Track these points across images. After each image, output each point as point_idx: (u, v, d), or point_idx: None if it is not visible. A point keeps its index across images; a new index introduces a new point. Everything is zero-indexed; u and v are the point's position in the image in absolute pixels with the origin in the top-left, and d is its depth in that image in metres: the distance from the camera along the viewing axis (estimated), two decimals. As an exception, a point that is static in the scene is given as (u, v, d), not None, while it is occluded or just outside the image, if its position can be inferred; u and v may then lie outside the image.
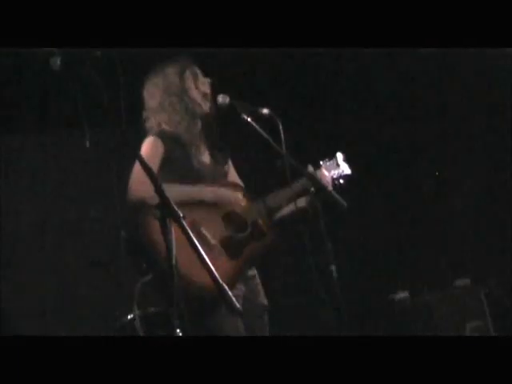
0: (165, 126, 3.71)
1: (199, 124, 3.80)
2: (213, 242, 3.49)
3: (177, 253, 3.29)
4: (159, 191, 2.44)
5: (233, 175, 3.94)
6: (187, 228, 2.39)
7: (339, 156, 3.97)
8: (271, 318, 3.73)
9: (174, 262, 2.46)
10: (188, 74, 3.81)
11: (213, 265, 2.73)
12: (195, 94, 3.79)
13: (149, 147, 3.62)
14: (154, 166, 3.51)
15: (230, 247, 3.54)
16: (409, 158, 6.68)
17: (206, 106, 3.79)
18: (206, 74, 3.87)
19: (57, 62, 2.59)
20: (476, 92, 6.03)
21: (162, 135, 3.66)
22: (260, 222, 3.66)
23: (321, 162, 3.98)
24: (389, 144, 6.67)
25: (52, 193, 5.68)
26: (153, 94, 3.79)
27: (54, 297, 5.64)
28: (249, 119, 3.60)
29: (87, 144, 2.77)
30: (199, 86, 3.80)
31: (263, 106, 3.63)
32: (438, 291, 5.69)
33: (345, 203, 3.50)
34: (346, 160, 3.97)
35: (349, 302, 3.42)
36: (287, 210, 3.86)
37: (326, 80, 6.36)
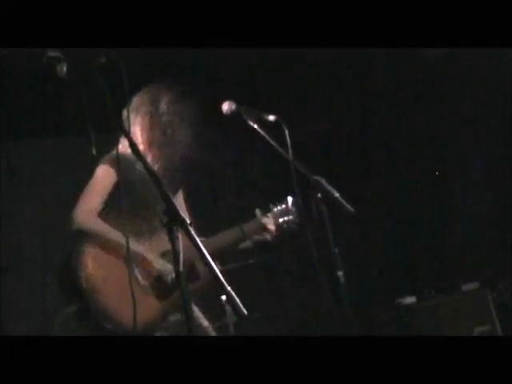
0: (128, 150, 3.58)
1: (161, 154, 3.71)
2: (143, 282, 3.47)
3: (106, 292, 3.32)
4: (165, 197, 2.43)
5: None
6: (194, 234, 2.39)
7: (289, 200, 3.99)
8: (280, 321, 3.72)
9: (181, 268, 2.45)
10: (163, 103, 3.71)
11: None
12: (162, 126, 3.69)
13: (102, 173, 3.57)
14: (105, 190, 3.50)
15: (161, 288, 3.52)
16: (415, 161, 6.66)
17: (171, 139, 3.71)
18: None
19: (63, 68, 2.60)
20: (476, 92, 6.03)
21: (116, 162, 3.53)
22: (198, 264, 3.61)
23: (271, 206, 4.02)
24: (393, 146, 6.65)
25: (55, 198, 5.65)
26: (130, 113, 3.68)
27: (53, 297, 5.62)
28: (255, 126, 3.56)
29: (93, 151, 2.77)
30: (167, 120, 3.70)
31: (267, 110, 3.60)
32: (446, 295, 5.68)
33: (352, 209, 3.49)
34: (295, 205, 3.99)
35: (356, 307, 3.41)
36: (230, 250, 3.89)
37: (327, 81, 6.35)
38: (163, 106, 3.72)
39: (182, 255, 2.45)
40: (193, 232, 2.39)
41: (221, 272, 2.40)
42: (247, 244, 3.99)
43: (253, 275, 5.60)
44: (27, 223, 5.61)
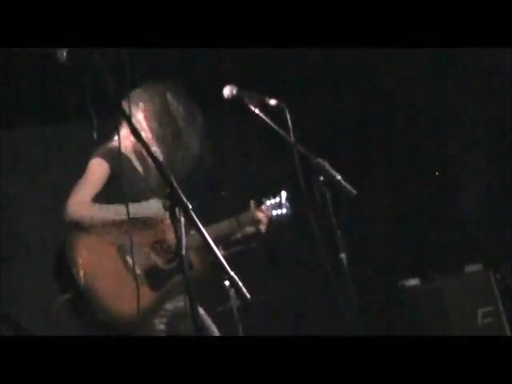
0: (123, 143, 3.47)
1: (170, 148, 3.69)
2: (137, 271, 3.46)
3: (100, 282, 3.32)
4: (167, 180, 2.44)
5: None
6: (195, 218, 2.40)
7: (283, 195, 4.01)
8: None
9: (183, 252, 2.47)
10: (172, 98, 3.72)
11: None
12: (174, 119, 3.71)
13: (95, 166, 3.57)
14: (99, 183, 3.52)
15: (154, 277, 3.52)
16: (417, 139, 6.66)
17: (184, 135, 3.72)
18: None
19: (63, 53, 2.59)
20: (476, 91, 6.03)
21: (109, 155, 3.56)
22: (191, 253, 3.60)
23: (263, 199, 4.05)
24: (395, 128, 6.65)
25: (56, 186, 5.64)
26: (133, 103, 3.56)
27: (53, 297, 5.62)
28: (256, 110, 3.53)
29: (94, 135, 2.77)
30: (165, 118, 3.71)
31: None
32: (449, 277, 5.70)
33: (354, 191, 3.48)
34: (289, 199, 4.05)
35: (359, 290, 3.41)
36: (223, 241, 3.92)
37: (327, 79, 6.34)
38: (173, 101, 3.72)
39: (184, 239, 2.46)
40: (194, 215, 2.40)
41: (223, 257, 2.41)
42: (237, 236, 4.01)
43: (255, 259, 5.61)
44: (28, 210, 5.61)
